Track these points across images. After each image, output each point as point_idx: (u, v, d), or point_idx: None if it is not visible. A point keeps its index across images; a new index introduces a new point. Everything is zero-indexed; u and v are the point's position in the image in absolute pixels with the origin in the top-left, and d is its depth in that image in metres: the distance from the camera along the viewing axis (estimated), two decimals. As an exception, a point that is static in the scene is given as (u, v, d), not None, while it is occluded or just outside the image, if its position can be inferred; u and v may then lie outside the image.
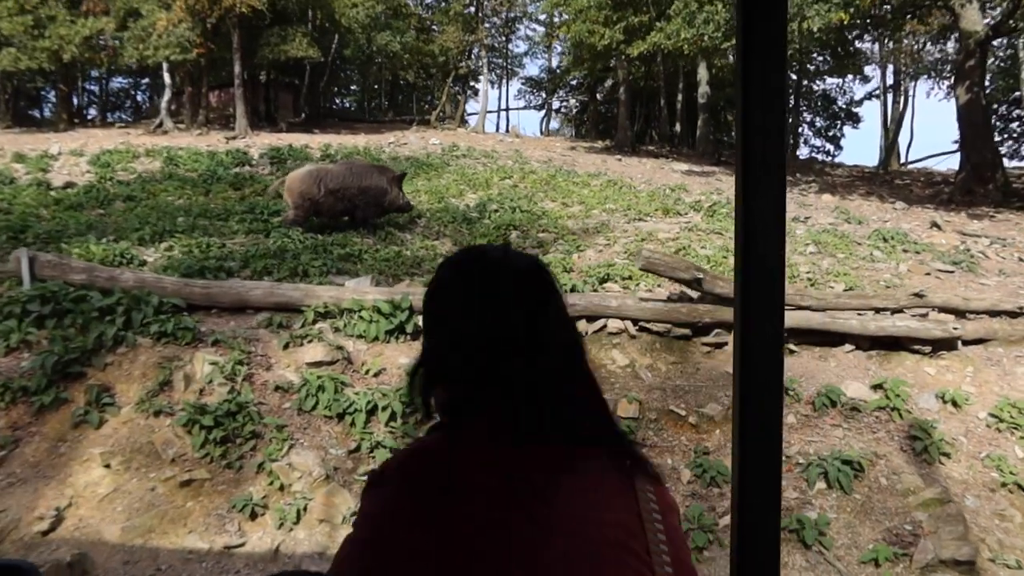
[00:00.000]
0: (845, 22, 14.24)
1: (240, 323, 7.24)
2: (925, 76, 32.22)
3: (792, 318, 7.29)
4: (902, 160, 31.47)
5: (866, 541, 5.23)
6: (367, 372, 6.67)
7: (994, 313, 7.81)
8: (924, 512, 5.35)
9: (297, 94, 34.98)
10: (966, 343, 7.40)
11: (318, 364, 6.57)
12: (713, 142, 25.71)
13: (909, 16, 16.60)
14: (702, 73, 25.67)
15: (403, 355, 6.90)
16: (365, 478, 1.16)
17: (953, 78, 18.79)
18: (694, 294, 7.51)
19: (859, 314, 7.46)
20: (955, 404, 6.62)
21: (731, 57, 30.73)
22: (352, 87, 45.90)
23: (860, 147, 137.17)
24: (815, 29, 13.98)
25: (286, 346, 6.76)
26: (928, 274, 9.97)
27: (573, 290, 8.34)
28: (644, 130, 34.39)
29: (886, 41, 25.07)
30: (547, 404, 1.04)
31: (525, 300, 1.09)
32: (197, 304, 7.38)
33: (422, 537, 0.96)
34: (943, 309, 7.71)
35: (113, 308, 6.91)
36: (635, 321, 7.36)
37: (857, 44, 23.86)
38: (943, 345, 7.29)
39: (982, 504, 5.63)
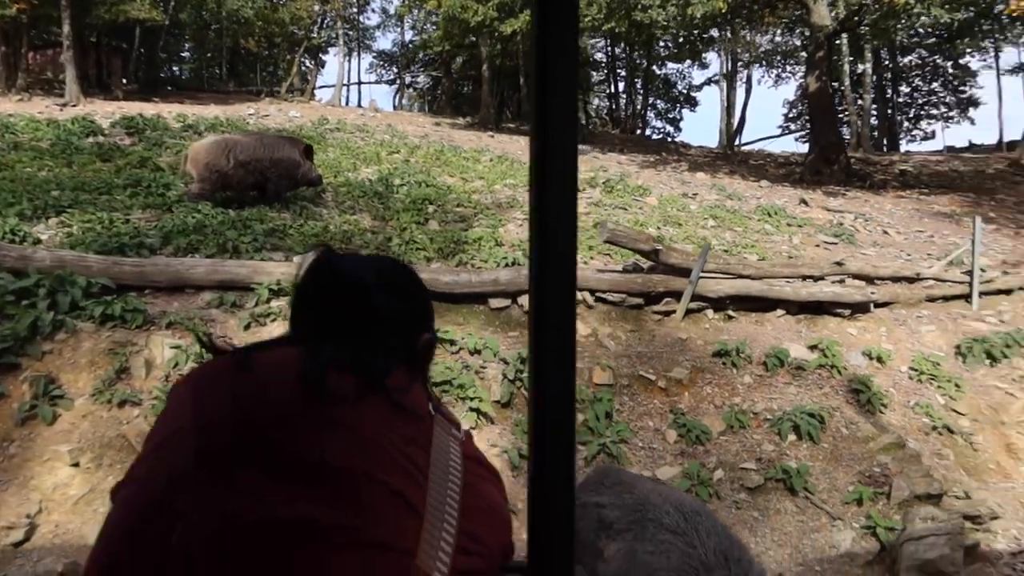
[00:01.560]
0: (723, 11, 15.17)
1: (184, 304, 6.67)
2: (757, 64, 34.90)
3: (734, 286, 7.78)
4: (735, 142, 33.88)
5: (843, 484, 5.75)
6: (337, 350, 6.39)
7: (896, 279, 8.74)
8: (887, 456, 5.96)
9: (126, 59, 32.07)
10: (877, 306, 8.24)
11: (286, 344, 6.21)
12: (578, 120, 26.38)
13: (767, 8, 17.90)
14: (566, 53, 26.14)
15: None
16: None
17: (804, 68, 20.48)
18: (645, 264, 7.81)
19: (788, 281, 8.08)
20: (880, 360, 7.37)
21: (607, 40, 31.64)
22: (184, 54, 42.70)
23: (694, 129, 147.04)
24: (697, 16, 14.80)
25: (247, 326, 6.32)
26: (818, 246, 10.94)
27: (514, 264, 8.41)
28: (500, 108, 34.65)
29: (728, 31, 26.87)
30: (349, 351, 1.21)
31: (340, 293, 1.34)
32: (128, 284, 6.69)
33: (209, 406, 1.11)
34: (857, 276, 8.52)
35: (32, 290, 6.15)
36: (592, 292, 7.55)
37: (711, 32, 25.31)
38: (859, 308, 8.07)
39: (921, 446, 6.34)
